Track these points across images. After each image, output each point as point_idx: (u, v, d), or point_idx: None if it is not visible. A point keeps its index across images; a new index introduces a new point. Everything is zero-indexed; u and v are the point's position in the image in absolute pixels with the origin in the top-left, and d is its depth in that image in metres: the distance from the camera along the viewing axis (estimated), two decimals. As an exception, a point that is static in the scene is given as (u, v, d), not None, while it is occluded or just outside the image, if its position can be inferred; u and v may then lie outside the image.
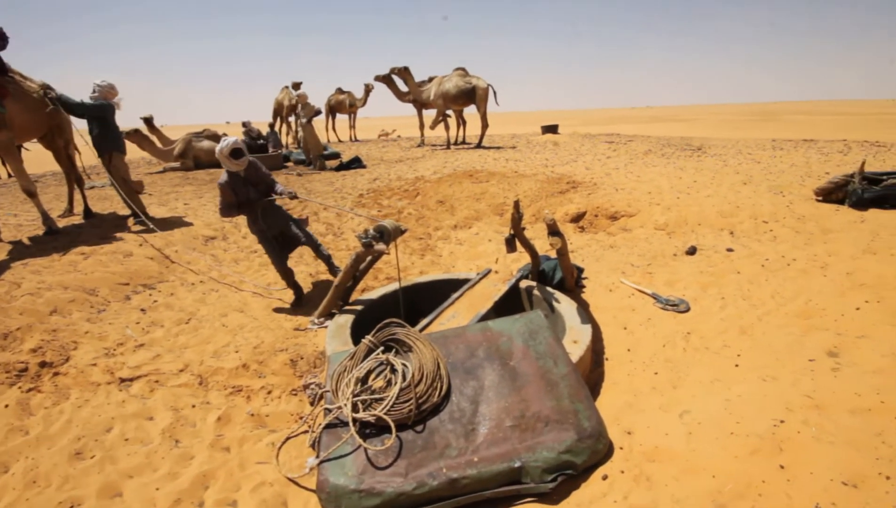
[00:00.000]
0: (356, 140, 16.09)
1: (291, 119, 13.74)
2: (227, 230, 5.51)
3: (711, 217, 4.88)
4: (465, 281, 3.92)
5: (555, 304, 3.44)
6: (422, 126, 12.21)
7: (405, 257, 4.92)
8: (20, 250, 4.39)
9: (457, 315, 3.26)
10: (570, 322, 3.10)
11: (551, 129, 13.29)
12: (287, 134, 14.23)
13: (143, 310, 3.63)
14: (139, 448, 2.23)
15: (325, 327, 3.48)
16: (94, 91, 5.04)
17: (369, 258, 3.38)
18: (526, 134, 14.64)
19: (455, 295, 3.54)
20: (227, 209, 3.64)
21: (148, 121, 10.82)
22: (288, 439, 2.38)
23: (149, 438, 2.31)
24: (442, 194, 6.38)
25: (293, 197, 3.79)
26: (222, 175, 3.63)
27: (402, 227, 3.45)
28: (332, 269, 3.92)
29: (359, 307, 3.46)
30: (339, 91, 15.19)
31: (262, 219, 3.77)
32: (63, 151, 5.26)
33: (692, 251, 4.36)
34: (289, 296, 4.02)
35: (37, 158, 10.79)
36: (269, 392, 2.78)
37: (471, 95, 10.38)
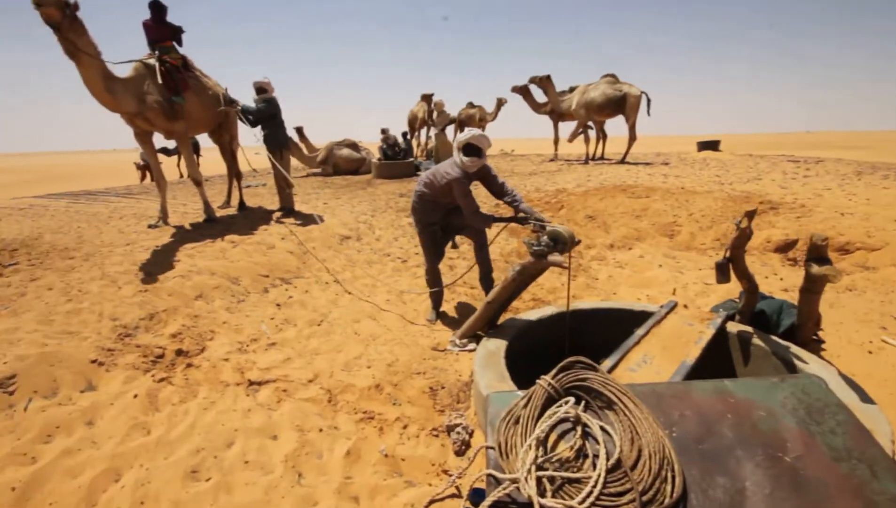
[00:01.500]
0: (482, 155, 15.87)
1: (422, 131, 13.98)
2: (361, 231, 5.32)
3: None
4: (646, 314, 3.03)
5: (797, 364, 2.38)
6: (556, 140, 11.40)
7: (552, 277, 4.16)
8: (182, 234, 4.61)
9: (650, 360, 2.40)
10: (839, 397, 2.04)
11: (711, 145, 11.44)
12: (417, 146, 14.52)
13: (278, 305, 3.41)
14: (259, 478, 1.79)
15: (469, 350, 2.87)
16: (261, 91, 5.26)
17: (532, 273, 2.70)
18: (674, 152, 12.92)
19: (640, 331, 2.67)
20: (478, 213, 2.99)
21: (299, 130, 11.74)
22: (432, 503, 1.76)
23: (270, 464, 1.87)
24: (592, 209, 5.50)
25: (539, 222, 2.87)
26: (455, 170, 2.93)
27: (575, 236, 2.70)
28: (487, 279, 3.32)
29: (510, 332, 2.79)
30: (470, 105, 15.13)
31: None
32: (228, 146, 5.59)
33: None
34: (424, 307, 3.52)
35: (206, 162, 12.32)
36: (406, 427, 2.22)
37: (620, 105, 9.31)
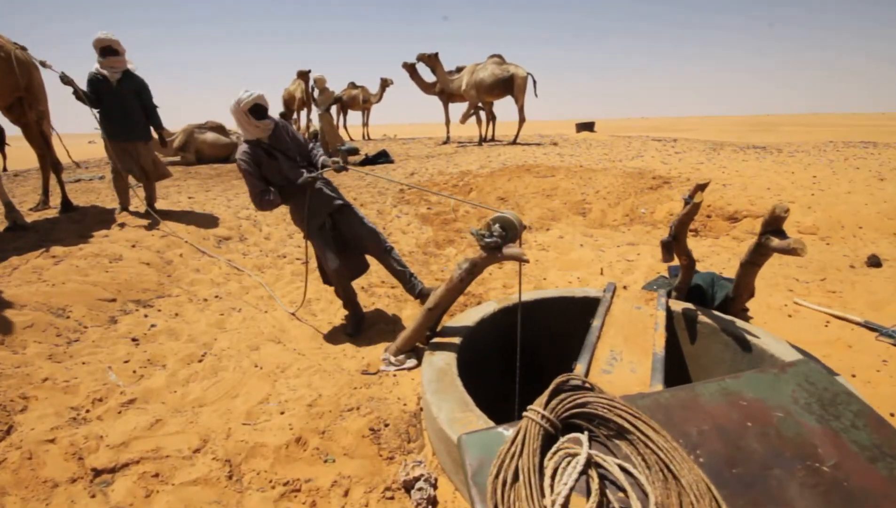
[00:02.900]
0: (369, 139, 15.01)
1: (303, 113, 12.65)
2: (244, 229, 4.37)
3: (873, 219, 3.80)
4: (590, 300, 2.82)
5: (749, 339, 2.34)
6: (448, 121, 11.14)
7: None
8: (-31, 252, 3.24)
9: (619, 356, 2.14)
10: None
11: (587, 126, 12.24)
12: (298, 130, 13.14)
13: (134, 340, 2.48)
14: None
15: (408, 368, 2.35)
16: (108, 52, 3.90)
17: (482, 268, 2.25)
18: (554, 134, 13.61)
19: (596, 322, 2.42)
20: (262, 197, 2.51)
21: (145, 110, 9.68)
22: None
23: None
24: (502, 190, 5.28)
25: (341, 169, 2.68)
26: (239, 149, 2.54)
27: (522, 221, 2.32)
28: (411, 284, 2.77)
29: (454, 340, 2.33)
30: (353, 85, 14.13)
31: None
32: (35, 127, 4.12)
33: (876, 263, 3.28)
34: (340, 314, 2.88)
35: (23, 154, 9.58)
36: (347, 494, 1.64)
37: (508, 85, 9.33)
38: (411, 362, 2.36)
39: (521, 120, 9.79)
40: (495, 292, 3.36)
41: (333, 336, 2.70)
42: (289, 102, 12.53)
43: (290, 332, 2.69)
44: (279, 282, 3.37)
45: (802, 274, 3.28)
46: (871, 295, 2.89)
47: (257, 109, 2.46)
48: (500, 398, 2.84)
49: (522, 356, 2.44)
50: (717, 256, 3.76)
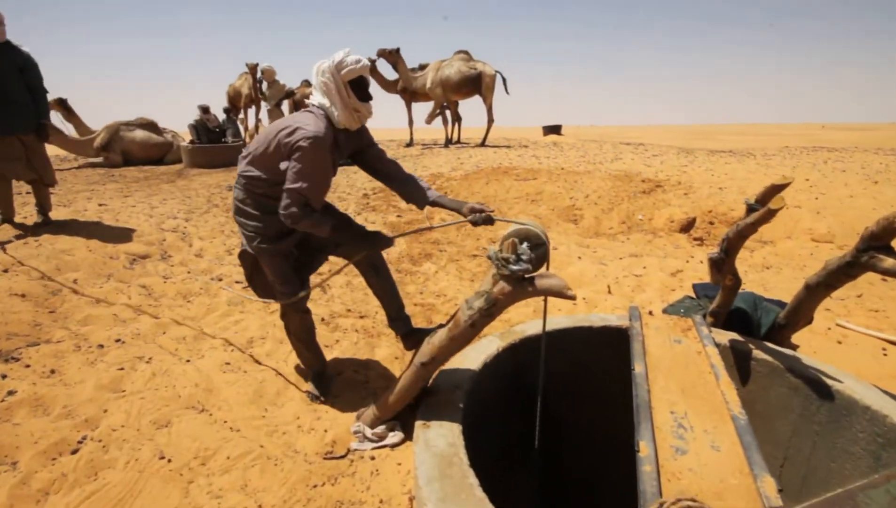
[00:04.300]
0: (325, 141, 14.04)
1: (251, 111, 11.57)
2: (168, 244, 3.50)
3: (888, 225, 3.49)
4: (611, 331, 2.27)
5: (831, 385, 1.84)
6: (411, 122, 10.46)
7: (459, 283, 3.16)
8: None
9: (686, 424, 1.56)
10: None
11: (554, 129, 11.95)
12: (246, 130, 12.03)
13: (-28, 422, 1.65)
14: None
15: (391, 444, 1.66)
16: None
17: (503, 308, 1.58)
18: (519, 137, 13.26)
19: (638, 369, 1.85)
20: (323, 215, 1.68)
21: (62, 103, 8.37)
22: None
23: None
24: (481, 195, 4.68)
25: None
26: (308, 132, 1.51)
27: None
28: (401, 319, 1.99)
29: (456, 401, 1.67)
30: (307, 83, 13.17)
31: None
32: None
33: (910, 274, 2.92)
34: (291, 361, 2.15)
35: None
36: None
37: (476, 83, 8.79)
38: (396, 435, 1.68)
39: (490, 120, 9.28)
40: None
41: (284, 394, 1.96)
42: (234, 99, 11.41)
43: (221, 392, 1.92)
44: (211, 314, 2.57)
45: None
46: (922, 314, 2.51)
47: (361, 85, 1.62)
48: (505, 457, 2.19)
49: (532, 406, 1.84)
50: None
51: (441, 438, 1.49)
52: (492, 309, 1.38)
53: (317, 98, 1.63)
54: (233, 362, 2.09)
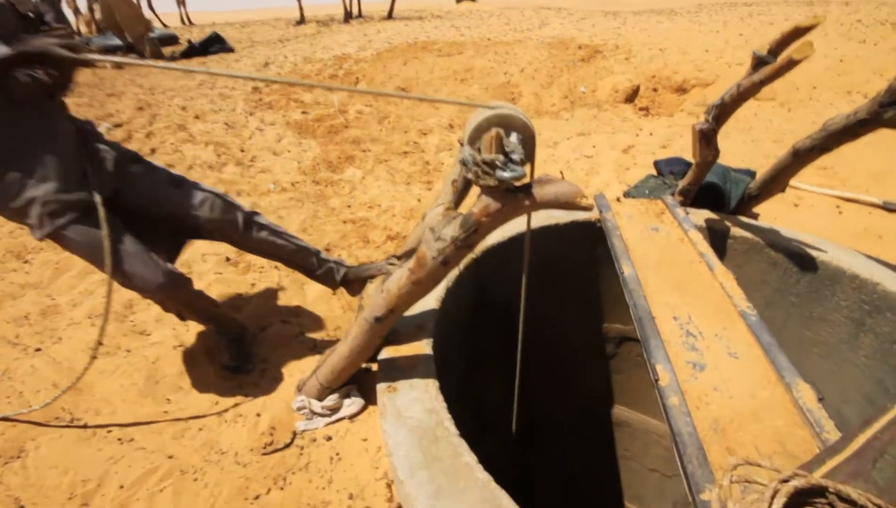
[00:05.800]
0: (191, 24, 11.46)
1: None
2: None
3: (824, 77, 3.42)
4: (582, 226, 2.00)
5: (815, 256, 1.73)
6: (299, -5, 8.62)
7: (394, 189, 2.67)
8: None
9: (693, 329, 1.34)
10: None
11: (468, -4, 10.58)
12: (77, 16, 9.34)
13: None
14: None
15: (348, 416, 1.30)
16: None
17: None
18: (432, 8, 11.67)
19: (626, 270, 1.60)
20: None
21: None
22: None
23: None
24: (401, 78, 3.94)
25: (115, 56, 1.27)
26: None
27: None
28: (324, 268, 1.52)
29: (420, 348, 1.31)
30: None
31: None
32: None
33: (850, 127, 2.89)
34: (192, 328, 1.63)
35: None
36: None
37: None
38: (353, 403, 1.31)
39: (395, -13, 7.89)
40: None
41: (190, 373, 1.48)
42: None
43: (95, 388, 1.37)
44: (62, 277, 1.88)
45: (778, 149, 2.79)
46: (867, 166, 2.49)
47: None
48: (466, 384, 1.97)
49: (504, 319, 1.58)
50: (680, 138, 3.12)
51: (416, 404, 1.15)
52: (472, 237, 0.95)
53: None
54: (107, 340, 1.53)
